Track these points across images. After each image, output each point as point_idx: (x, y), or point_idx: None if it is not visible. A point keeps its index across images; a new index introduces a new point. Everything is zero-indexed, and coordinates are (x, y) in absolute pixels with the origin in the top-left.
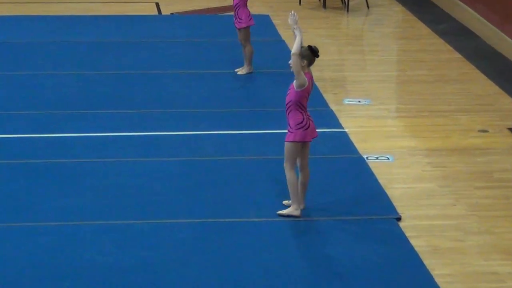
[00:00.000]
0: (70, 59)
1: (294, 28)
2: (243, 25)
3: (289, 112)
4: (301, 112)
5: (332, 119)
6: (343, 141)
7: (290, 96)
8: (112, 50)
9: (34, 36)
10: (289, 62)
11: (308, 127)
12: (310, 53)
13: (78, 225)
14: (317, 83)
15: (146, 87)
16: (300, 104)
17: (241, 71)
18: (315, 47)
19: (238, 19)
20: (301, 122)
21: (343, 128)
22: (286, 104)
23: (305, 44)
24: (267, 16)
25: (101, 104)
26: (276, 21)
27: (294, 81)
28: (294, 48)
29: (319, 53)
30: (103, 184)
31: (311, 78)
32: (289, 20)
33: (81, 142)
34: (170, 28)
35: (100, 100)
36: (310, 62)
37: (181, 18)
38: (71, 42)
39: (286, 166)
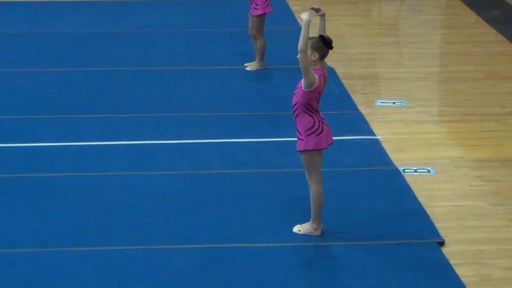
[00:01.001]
0: (47, 53)
1: (318, 13)
2: (259, 12)
3: (296, 116)
4: (310, 115)
5: (362, 124)
6: (375, 151)
7: (297, 96)
8: (97, 42)
9: (4, 26)
10: (298, 56)
11: (322, 131)
12: (323, 45)
13: (56, 252)
14: (344, 82)
15: (139, 87)
16: (309, 106)
17: (250, 66)
18: (327, 36)
19: (254, 4)
20: (312, 127)
21: (375, 135)
22: (293, 106)
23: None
24: (284, 0)
25: (84, 107)
26: (294, 7)
27: (302, 80)
28: (300, 43)
29: (332, 44)
30: (86, 203)
31: (322, 75)
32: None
33: (60, 153)
34: (167, 16)
35: (83, 102)
36: (323, 55)
37: (180, 3)
38: (48, 34)
39: (310, 178)
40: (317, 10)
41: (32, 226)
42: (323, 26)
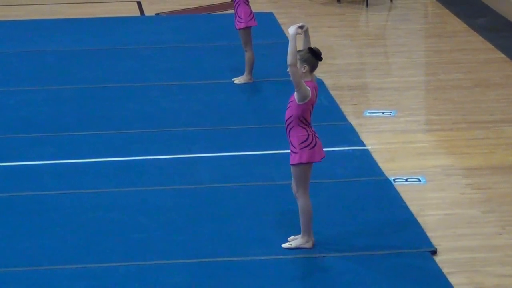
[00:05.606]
0: (35, 71)
1: (300, 30)
2: (242, 26)
3: (290, 129)
4: (304, 128)
5: (351, 135)
6: (366, 161)
7: (291, 110)
8: (85, 59)
9: None
10: (288, 70)
11: (315, 144)
12: (312, 56)
13: (48, 270)
14: (332, 93)
15: (129, 103)
16: (303, 118)
17: (239, 80)
18: (316, 48)
19: (237, 17)
20: (306, 140)
21: (364, 145)
22: (286, 120)
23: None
24: (271, 14)
25: (74, 124)
26: (282, 19)
27: (295, 93)
28: (289, 58)
29: (322, 56)
30: (78, 220)
31: (314, 87)
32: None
33: (50, 171)
34: (155, 32)
35: (72, 120)
36: (313, 67)
37: (168, 19)
38: (36, 52)
39: (298, 192)
40: (301, 27)
41: (24, 245)
42: (308, 40)
